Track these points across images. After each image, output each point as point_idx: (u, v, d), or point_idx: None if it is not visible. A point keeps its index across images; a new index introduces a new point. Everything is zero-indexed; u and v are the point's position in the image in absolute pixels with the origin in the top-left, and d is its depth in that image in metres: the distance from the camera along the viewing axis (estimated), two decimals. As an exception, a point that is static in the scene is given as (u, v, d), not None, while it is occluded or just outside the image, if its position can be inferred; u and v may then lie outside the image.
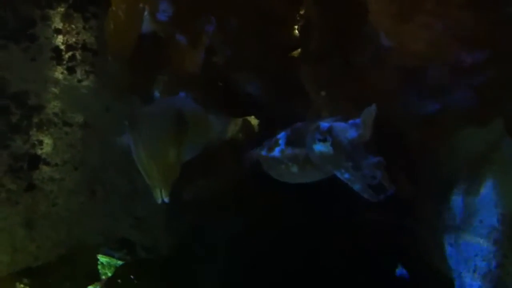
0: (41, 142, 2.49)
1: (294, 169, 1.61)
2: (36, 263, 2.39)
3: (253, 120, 2.40)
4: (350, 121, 1.47)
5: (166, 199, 1.40)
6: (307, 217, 2.16)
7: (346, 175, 1.43)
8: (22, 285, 2.22)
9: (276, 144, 1.67)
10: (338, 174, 1.46)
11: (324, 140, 1.45)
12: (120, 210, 2.48)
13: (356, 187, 1.42)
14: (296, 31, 1.92)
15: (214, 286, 2.23)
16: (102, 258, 2.51)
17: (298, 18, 1.90)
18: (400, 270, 2.02)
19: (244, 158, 1.87)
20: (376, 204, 1.71)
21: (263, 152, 1.71)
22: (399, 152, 1.82)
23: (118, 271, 2.47)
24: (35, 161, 2.47)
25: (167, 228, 2.51)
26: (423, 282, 1.99)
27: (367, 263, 2.01)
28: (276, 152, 1.65)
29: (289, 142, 1.63)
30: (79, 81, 2.61)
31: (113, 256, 2.46)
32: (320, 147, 1.47)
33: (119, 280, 2.41)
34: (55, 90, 2.58)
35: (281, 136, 1.68)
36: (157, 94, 2.31)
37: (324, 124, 1.49)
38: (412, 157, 1.80)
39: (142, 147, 1.40)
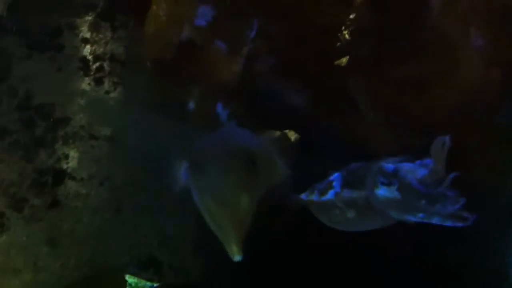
0: (66, 156, 2.39)
1: (351, 214, 1.44)
2: (60, 283, 2.27)
3: (292, 134, 2.25)
4: (418, 161, 1.31)
5: (239, 257, 1.19)
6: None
7: (421, 215, 1.26)
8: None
9: (330, 187, 1.50)
10: (411, 218, 1.29)
11: (388, 184, 1.29)
12: (147, 228, 2.36)
13: (435, 221, 1.25)
14: (346, 36, 1.79)
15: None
16: (129, 279, 2.38)
17: (348, 22, 1.76)
18: None
19: (290, 202, 1.72)
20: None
21: (314, 197, 1.56)
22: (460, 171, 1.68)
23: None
24: (60, 175, 2.37)
25: (197, 249, 2.38)
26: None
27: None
28: (330, 196, 1.49)
29: (345, 184, 1.46)
30: (107, 92, 2.50)
31: (140, 276, 2.33)
32: (384, 192, 1.30)
33: None
34: (81, 102, 2.48)
35: (336, 177, 1.51)
36: (192, 106, 2.21)
37: (388, 166, 1.32)
38: (475, 179, 1.65)
39: (210, 194, 1.19)
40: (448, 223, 1.20)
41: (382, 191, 1.29)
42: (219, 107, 2.12)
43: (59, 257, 2.29)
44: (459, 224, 1.20)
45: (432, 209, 1.21)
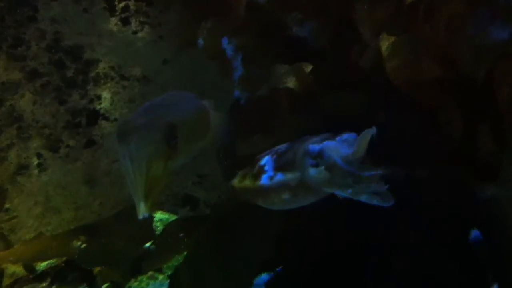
0: (99, 97, 2.41)
1: (286, 195, 1.49)
2: (99, 220, 2.33)
3: (307, 67, 2.24)
4: (338, 138, 1.38)
5: (146, 214, 1.35)
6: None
7: (349, 191, 1.34)
8: (79, 242, 2.17)
9: (262, 171, 1.55)
10: (340, 193, 1.37)
11: (316, 165, 1.37)
12: (183, 167, 2.40)
13: (363, 198, 1.33)
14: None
15: (268, 246, 2.11)
16: (161, 215, 2.43)
17: None
18: (475, 232, 1.92)
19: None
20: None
21: (247, 182, 1.60)
22: (485, 107, 1.71)
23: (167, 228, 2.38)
24: (93, 116, 2.40)
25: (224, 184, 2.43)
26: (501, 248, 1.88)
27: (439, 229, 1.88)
28: (264, 180, 1.53)
29: (277, 168, 1.51)
30: (134, 32, 2.50)
31: (176, 213, 2.39)
32: (314, 172, 1.38)
33: (168, 239, 2.33)
34: (109, 43, 2.49)
35: (266, 161, 1.55)
36: (201, 42, 2.21)
37: (314, 147, 1.38)
38: (501, 113, 1.70)
39: (129, 161, 1.35)
40: (375, 202, 1.30)
41: (312, 172, 1.37)
42: (225, 41, 2.13)
43: (97, 196, 2.35)
44: (384, 204, 1.29)
45: (359, 187, 1.30)
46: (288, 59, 2.16)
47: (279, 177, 1.49)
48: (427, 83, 1.79)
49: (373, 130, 1.28)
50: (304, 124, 2.00)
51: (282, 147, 1.56)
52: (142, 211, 1.35)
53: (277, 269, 1.84)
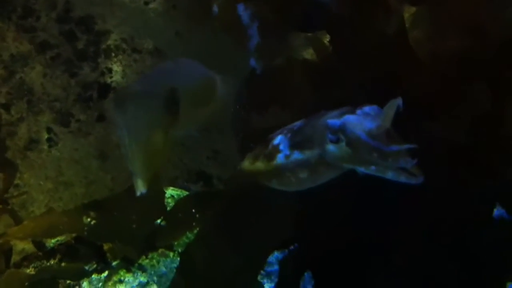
0: (110, 70, 2.35)
1: (303, 174, 1.41)
2: (112, 195, 2.29)
3: (325, 37, 2.14)
4: (359, 111, 1.28)
5: (144, 191, 1.24)
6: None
7: (373, 168, 1.24)
8: (89, 219, 2.12)
9: (277, 150, 1.46)
10: (363, 170, 1.27)
11: (337, 141, 1.27)
12: (196, 142, 2.34)
13: (389, 175, 1.23)
14: None
15: (282, 224, 2.05)
16: (173, 192, 2.38)
17: None
18: (498, 210, 1.84)
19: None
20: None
21: (259, 164, 1.51)
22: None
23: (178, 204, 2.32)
24: (105, 90, 2.34)
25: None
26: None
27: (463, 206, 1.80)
28: (279, 160, 1.44)
29: (294, 146, 1.42)
30: (146, 3, 2.42)
31: (188, 189, 2.34)
32: (334, 149, 1.28)
33: (180, 214, 2.27)
34: (121, 14, 2.41)
35: (280, 140, 1.46)
36: (215, 9, 2.12)
37: (334, 122, 1.28)
38: None
39: (126, 130, 1.24)
40: (402, 179, 1.21)
41: (332, 148, 1.29)
42: (241, 8, 2.04)
43: (109, 170, 2.30)
44: (412, 180, 1.21)
45: (383, 162, 1.22)
46: (306, 28, 2.07)
47: (296, 155, 1.41)
48: (451, 56, 1.70)
49: (399, 100, 1.18)
50: (322, 96, 1.92)
51: (295, 124, 1.48)
52: (140, 188, 1.26)
53: (291, 247, 1.78)
